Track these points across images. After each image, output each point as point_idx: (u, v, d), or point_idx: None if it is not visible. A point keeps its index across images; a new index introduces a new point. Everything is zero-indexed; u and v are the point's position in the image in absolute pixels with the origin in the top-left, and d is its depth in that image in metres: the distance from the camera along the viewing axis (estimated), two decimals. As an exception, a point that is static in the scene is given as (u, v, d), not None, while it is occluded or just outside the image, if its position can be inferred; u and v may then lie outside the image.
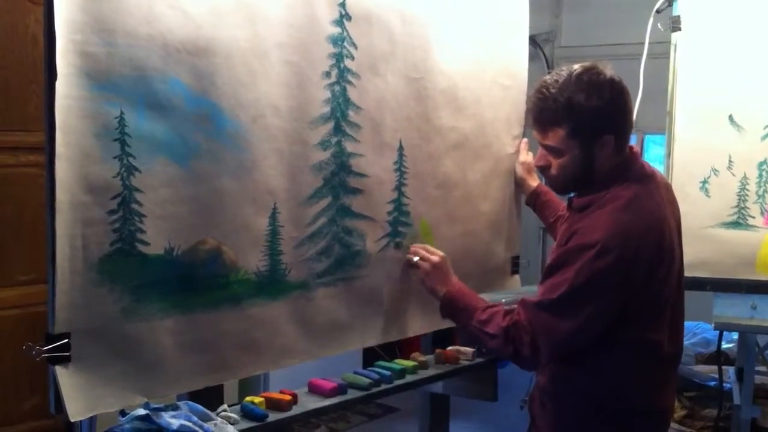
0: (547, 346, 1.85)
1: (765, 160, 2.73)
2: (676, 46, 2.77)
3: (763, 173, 2.73)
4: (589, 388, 1.91)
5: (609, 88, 1.87)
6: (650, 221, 1.87)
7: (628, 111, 1.92)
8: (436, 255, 2.15)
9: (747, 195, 2.74)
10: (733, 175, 2.75)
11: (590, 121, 1.86)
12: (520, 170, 2.61)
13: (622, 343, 1.87)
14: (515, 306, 1.92)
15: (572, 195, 2.01)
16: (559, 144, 1.89)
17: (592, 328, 1.84)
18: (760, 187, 2.74)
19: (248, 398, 1.88)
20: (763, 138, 2.73)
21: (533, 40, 5.75)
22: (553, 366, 1.97)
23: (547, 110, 1.88)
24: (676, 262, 1.94)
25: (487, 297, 2.43)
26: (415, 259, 2.17)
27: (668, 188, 2.04)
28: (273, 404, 1.87)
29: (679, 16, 2.76)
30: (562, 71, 1.90)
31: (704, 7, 2.77)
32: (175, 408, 1.68)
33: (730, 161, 2.75)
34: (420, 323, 2.39)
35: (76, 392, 1.59)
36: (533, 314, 1.86)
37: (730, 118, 2.74)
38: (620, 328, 1.85)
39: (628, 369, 1.89)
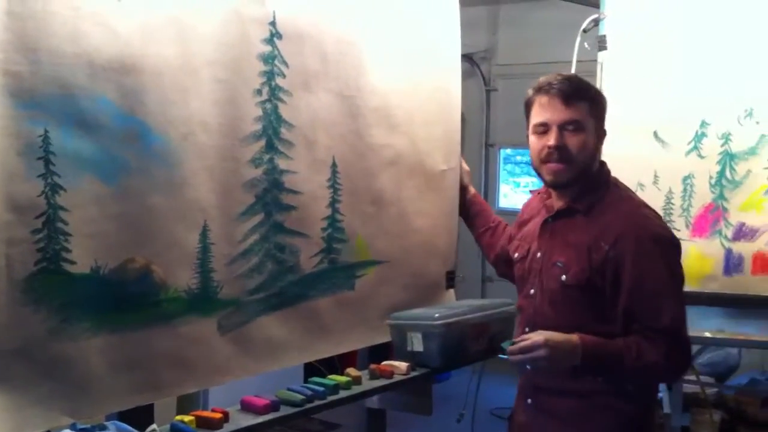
0: (686, 332, 1.94)
1: (689, 174, 2.83)
2: (602, 64, 2.86)
3: (688, 187, 2.83)
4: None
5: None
6: None
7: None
8: (533, 338, 1.89)
9: (672, 209, 2.84)
10: (659, 189, 2.84)
11: (601, 107, 2.05)
12: (465, 179, 2.68)
13: None
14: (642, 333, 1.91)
15: (560, 206, 2.06)
16: (582, 117, 1.99)
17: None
18: (684, 200, 2.84)
19: (178, 417, 1.86)
20: (687, 153, 2.83)
21: (470, 58, 5.84)
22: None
23: (575, 84, 2.00)
24: None
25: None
26: (526, 356, 1.89)
27: None
28: (203, 423, 1.85)
29: (605, 36, 2.85)
30: None
31: (629, 28, 2.86)
32: (103, 428, 1.66)
33: (655, 176, 2.84)
34: (356, 338, 2.41)
35: (1, 413, 1.56)
36: (666, 319, 1.90)
37: (655, 134, 2.83)
38: None
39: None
